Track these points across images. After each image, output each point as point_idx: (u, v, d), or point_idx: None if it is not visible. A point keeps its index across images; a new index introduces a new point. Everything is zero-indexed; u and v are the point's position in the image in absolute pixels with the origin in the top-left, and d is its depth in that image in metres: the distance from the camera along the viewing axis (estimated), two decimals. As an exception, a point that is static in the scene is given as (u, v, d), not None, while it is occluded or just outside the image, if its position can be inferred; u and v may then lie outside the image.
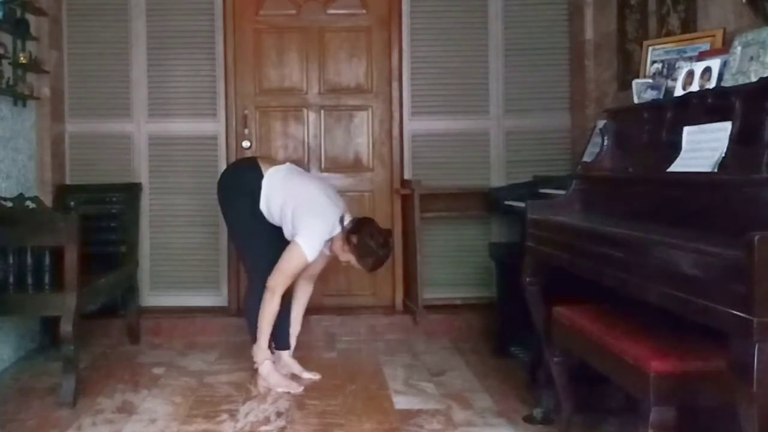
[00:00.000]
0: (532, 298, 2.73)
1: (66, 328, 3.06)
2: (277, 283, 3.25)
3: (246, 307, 3.54)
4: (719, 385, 1.69)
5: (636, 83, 2.95)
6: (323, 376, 3.48)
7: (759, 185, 1.80)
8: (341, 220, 3.33)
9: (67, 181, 4.40)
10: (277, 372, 3.39)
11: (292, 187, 3.34)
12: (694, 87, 2.46)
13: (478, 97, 4.51)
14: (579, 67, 4.28)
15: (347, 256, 3.33)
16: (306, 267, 3.34)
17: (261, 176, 3.36)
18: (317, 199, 3.31)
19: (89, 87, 4.44)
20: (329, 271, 4.43)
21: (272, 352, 3.46)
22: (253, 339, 3.42)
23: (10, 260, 3.15)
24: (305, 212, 3.26)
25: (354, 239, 3.28)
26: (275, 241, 3.34)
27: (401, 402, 3.14)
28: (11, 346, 3.80)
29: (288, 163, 3.54)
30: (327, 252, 3.43)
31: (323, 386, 3.37)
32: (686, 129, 2.26)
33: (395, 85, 4.50)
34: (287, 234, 3.32)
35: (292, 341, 3.60)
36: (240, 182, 3.42)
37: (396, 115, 4.50)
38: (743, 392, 1.47)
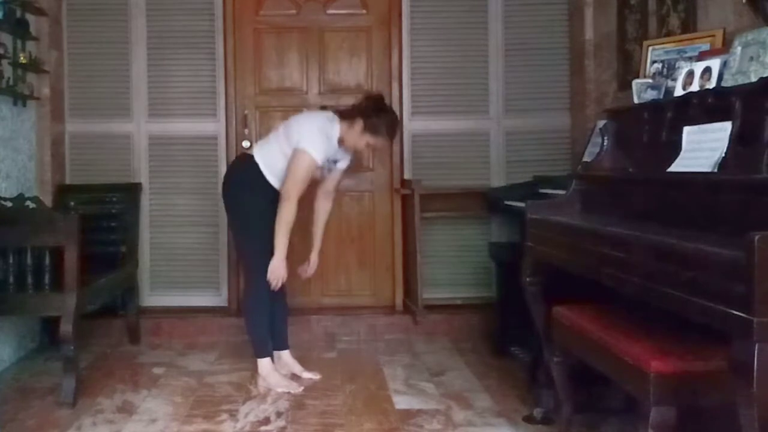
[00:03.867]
0: (532, 298, 2.73)
1: (66, 328, 3.06)
2: (290, 190, 3.25)
3: (244, 307, 3.54)
4: (719, 385, 1.69)
5: (636, 83, 2.95)
6: (323, 376, 3.49)
7: (759, 185, 1.80)
8: (336, 117, 3.38)
9: (67, 181, 4.40)
10: (277, 372, 3.39)
11: (276, 133, 3.42)
12: (694, 87, 2.46)
13: (478, 97, 4.51)
14: (579, 67, 4.28)
15: (363, 140, 3.36)
16: (321, 181, 3.41)
17: (252, 158, 3.39)
18: (299, 115, 3.48)
19: (89, 87, 4.45)
20: (329, 271, 4.45)
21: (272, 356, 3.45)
22: (251, 339, 3.42)
23: (10, 260, 3.15)
24: (294, 127, 3.32)
25: (358, 123, 3.33)
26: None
27: (401, 402, 3.14)
28: (11, 346, 3.80)
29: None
30: (345, 164, 3.50)
31: (323, 386, 3.37)
32: (686, 129, 2.26)
33: (395, 85, 4.50)
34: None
35: (313, 258, 3.61)
36: (241, 176, 3.42)
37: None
38: (743, 392, 1.47)
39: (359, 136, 3.35)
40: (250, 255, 3.45)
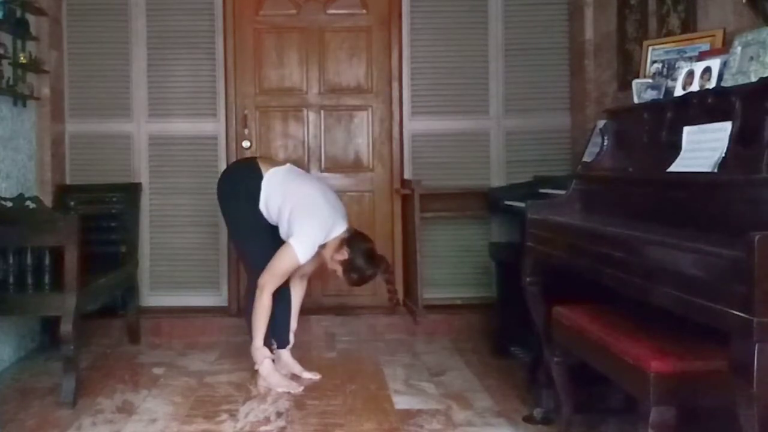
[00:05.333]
0: (532, 298, 2.73)
1: (66, 328, 3.05)
2: (266, 281, 3.25)
3: (246, 307, 3.54)
4: (719, 385, 1.69)
5: (636, 83, 2.95)
6: (323, 376, 3.48)
7: (759, 185, 1.80)
8: (339, 227, 3.32)
9: (67, 181, 4.40)
10: (277, 372, 3.39)
11: (292, 188, 3.34)
12: (694, 87, 2.46)
13: (478, 97, 4.51)
14: (579, 67, 4.28)
15: (335, 265, 3.35)
16: (298, 267, 3.35)
17: (260, 177, 3.35)
18: (315, 201, 3.30)
19: (89, 87, 4.45)
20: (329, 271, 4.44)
21: (272, 352, 3.45)
22: (252, 339, 3.42)
23: (10, 260, 3.15)
24: (302, 213, 3.26)
25: (346, 252, 3.30)
26: (274, 241, 3.34)
27: (401, 402, 3.14)
28: (11, 346, 3.80)
29: (288, 164, 3.53)
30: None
31: (323, 386, 3.37)
32: (686, 129, 2.26)
33: (395, 85, 4.50)
34: (283, 234, 3.32)
35: (291, 338, 3.60)
36: (239, 183, 3.41)
37: (396, 115, 4.51)
38: (743, 392, 1.47)
39: (335, 259, 3.33)
40: (248, 255, 3.46)
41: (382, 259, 3.46)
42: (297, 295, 3.63)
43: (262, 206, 3.35)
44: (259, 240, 3.34)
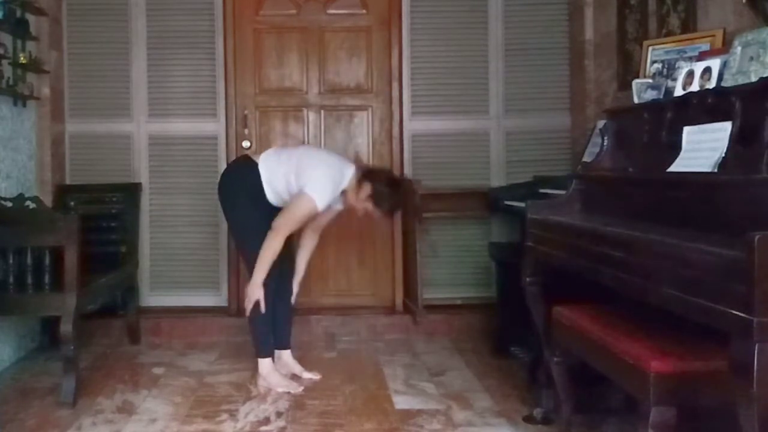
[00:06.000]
0: (532, 298, 2.73)
1: (66, 328, 3.06)
2: (281, 225, 3.24)
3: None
4: (719, 385, 1.69)
5: (636, 83, 2.95)
6: (323, 376, 3.48)
7: (759, 185, 1.80)
8: (348, 170, 3.33)
9: (67, 181, 4.40)
10: (277, 372, 3.39)
11: (287, 155, 3.37)
12: (694, 87, 2.46)
13: (478, 97, 4.51)
14: (579, 67, 4.28)
15: (364, 204, 3.32)
16: (314, 217, 3.35)
17: (256, 165, 3.37)
18: (315, 153, 3.36)
19: (89, 87, 4.45)
20: (329, 271, 4.45)
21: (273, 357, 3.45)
22: (253, 338, 3.42)
23: (10, 260, 3.15)
24: (307, 166, 3.27)
25: (368, 186, 3.29)
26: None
27: (401, 402, 3.14)
28: (11, 346, 3.80)
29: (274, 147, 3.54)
30: (340, 207, 3.44)
31: (323, 386, 3.37)
32: (686, 129, 2.26)
33: (395, 85, 4.50)
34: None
35: (294, 287, 3.58)
36: (239, 181, 3.41)
37: (396, 115, 4.50)
38: (743, 392, 1.47)
39: (362, 200, 3.32)
40: (250, 255, 3.43)
41: (403, 176, 3.44)
42: (308, 246, 3.61)
43: (268, 191, 3.34)
44: (260, 240, 3.33)
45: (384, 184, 3.32)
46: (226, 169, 3.72)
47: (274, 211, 3.34)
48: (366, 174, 3.34)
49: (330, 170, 3.28)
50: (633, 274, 1.92)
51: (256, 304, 3.29)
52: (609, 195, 2.60)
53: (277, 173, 3.32)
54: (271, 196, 3.36)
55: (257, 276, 3.28)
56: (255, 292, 3.29)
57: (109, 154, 4.46)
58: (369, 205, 3.32)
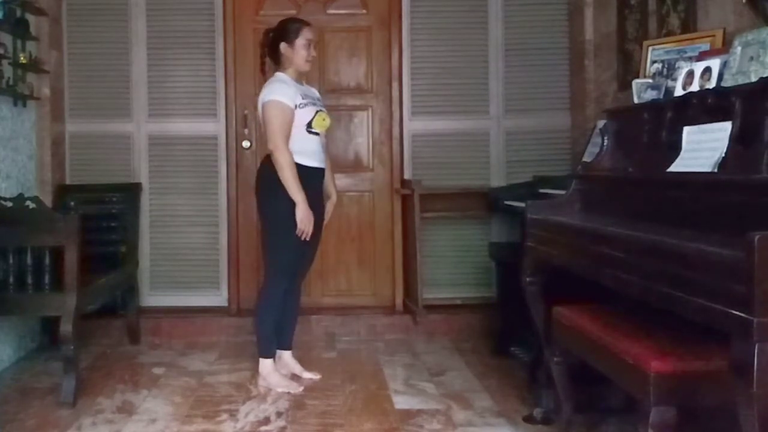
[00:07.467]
0: (532, 298, 2.73)
1: (66, 328, 3.06)
2: (272, 139, 3.26)
3: (256, 304, 3.46)
4: (719, 385, 1.69)
5: (636, 83, 2.95)
6: (323, 376, 3.49)
7: (759, 185, 1.80)
8: (275, 73, 3.40)
9: (67, 181, 4.40)
10: (277, 372, 3.39)
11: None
12: (694, 87, 2.46)
13: (478, 97, 4.51)
14: (579, 67, 4.28)
15: (298, 52, 3.36)
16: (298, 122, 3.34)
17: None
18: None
19: (89, 87, 4.45)
20: (329, 271, 4.45)
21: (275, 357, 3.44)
22: (257, 336, 3.40)
23: (10, 260, 3.15)
24: (259, 104, 3.35)
25: (282, 51, 3.37)
26: (303, 245, 3.31)
27: (401, 402, 3.14)
28: (11, 346, 3.80)
29: None
30: (321, 107, 3.45)
31: (323, 386, 3.37)
32: (686, 129, 2.26)
33: (395, 85, 4.50)
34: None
35: (329, 206, 3.56)
36: (272, 177, 3.29)
37: (396, 115, 4.50)
38: (743, 392, 1.47)
39: (293, 54, 3.37)
40: (274, 254, 3.35)
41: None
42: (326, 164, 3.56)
43: (306, 161, 3.33)
44: (286, 241, 3.26)
45: (272, 37, 3.41)
46: (260, 169, 3.49)
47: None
48: (271, 55, 3.43)
49: (268, 84, 3.34)
50: (633, 274, 1.92)
51: (266, 296, 3.30)
52: (609, 195, 2.60)
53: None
54: (310, 160, 3.34)
55: (297, 197, 3.23)
56: (306, 214, 3.24)
57: (109, 154, 4.46)
58: (297, 45, 3.36)
